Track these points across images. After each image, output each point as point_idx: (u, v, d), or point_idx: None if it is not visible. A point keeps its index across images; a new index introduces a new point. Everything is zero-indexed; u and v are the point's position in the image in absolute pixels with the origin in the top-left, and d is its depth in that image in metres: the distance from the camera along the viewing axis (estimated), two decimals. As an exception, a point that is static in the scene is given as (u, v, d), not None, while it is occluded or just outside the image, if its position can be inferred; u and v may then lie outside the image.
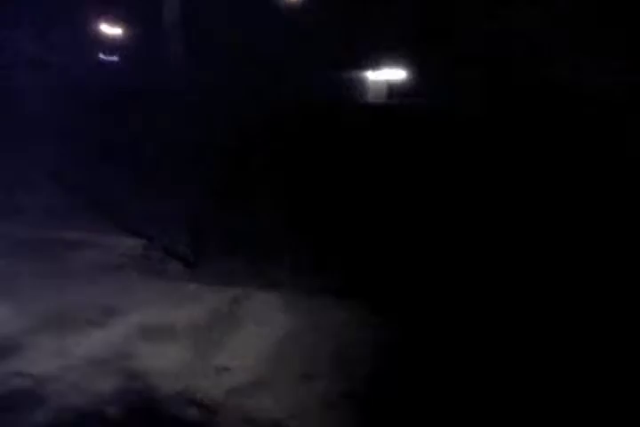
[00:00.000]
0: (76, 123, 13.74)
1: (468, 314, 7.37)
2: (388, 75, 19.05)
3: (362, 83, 19.33)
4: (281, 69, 16.50)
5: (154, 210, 10.19)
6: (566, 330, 6.98)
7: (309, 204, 10.67)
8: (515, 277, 8.17)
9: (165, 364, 6.28)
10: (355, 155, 11.62)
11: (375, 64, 18.58)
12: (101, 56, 22.13)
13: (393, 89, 19.08)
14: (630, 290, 7.66)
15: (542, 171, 10.30)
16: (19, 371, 5.97)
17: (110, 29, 20.99)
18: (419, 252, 9.12)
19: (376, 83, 19.18)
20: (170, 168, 11.46)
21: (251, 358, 6.39)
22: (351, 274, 8.60)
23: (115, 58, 21.20)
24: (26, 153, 12.50)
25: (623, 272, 8.06)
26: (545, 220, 9.46)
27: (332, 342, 6.84)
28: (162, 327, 7.09)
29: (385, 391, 5.91)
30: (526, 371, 6.16)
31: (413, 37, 15.89)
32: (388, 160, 11.57)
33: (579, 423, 5.48)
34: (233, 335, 6.97)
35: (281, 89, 15.08)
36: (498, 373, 6.16)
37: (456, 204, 10.28)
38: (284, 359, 6.42)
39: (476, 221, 9.64)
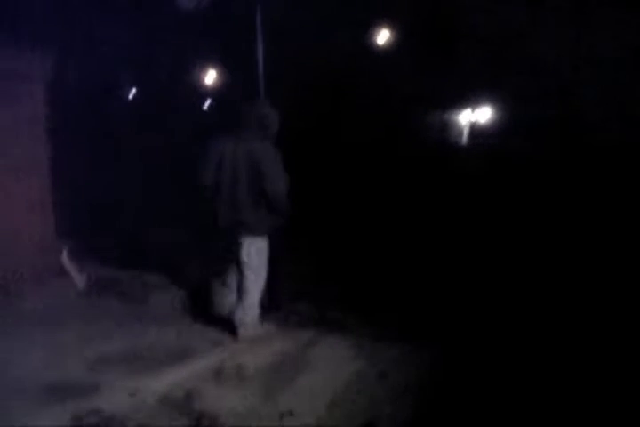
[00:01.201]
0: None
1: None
2: (470, 115, 19.25)
3: (446, 124, 19.59)
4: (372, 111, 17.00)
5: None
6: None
7: (377, 245, 10.84)
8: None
9: (232, 406, 6.43)
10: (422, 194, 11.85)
11: (459, 104, 18.82)
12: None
13: (475, 129, 19.24)
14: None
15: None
16: (95, 409, 6.25)
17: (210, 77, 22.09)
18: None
19: (458, 123, 19.42)
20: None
21: (314, 403, 6.46)
22: (421, 321, 8.61)
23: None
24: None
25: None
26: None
27: (396, 388, 6.82)
28: (232, 370, 7.26)
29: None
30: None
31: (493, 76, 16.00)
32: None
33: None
34: (299, 380, 7.07)
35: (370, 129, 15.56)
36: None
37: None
38: (346, 405, 6.46)
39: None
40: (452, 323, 8.50)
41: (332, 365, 7.44)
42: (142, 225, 13.46)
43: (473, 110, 18.99)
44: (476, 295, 9.29)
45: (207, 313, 8.88)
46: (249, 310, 8.21)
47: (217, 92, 21.48)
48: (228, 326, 8.34)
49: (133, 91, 22.46)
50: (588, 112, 11.41)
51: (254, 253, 7.56)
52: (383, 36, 18.32)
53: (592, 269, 9.38)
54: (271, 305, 9.33)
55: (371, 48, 17.95)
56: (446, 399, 6.57)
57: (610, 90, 10.69)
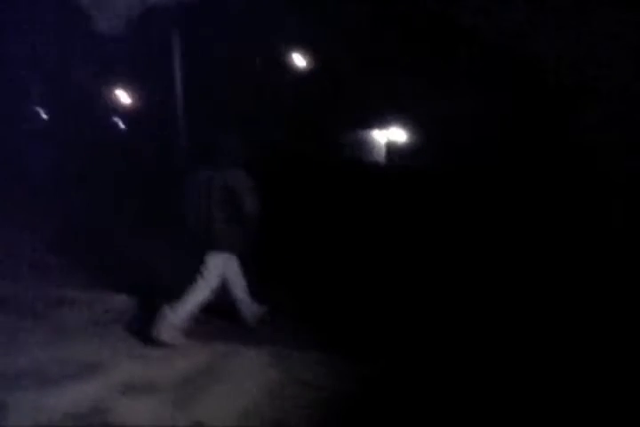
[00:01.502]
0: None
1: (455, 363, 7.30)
2: (387, 135, 19.59)
3: (363, 143, 19.84)
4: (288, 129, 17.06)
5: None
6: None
7: (295, 258, 10.81)
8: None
9: (142, 419, 6.24)
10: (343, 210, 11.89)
11: (375, 124, 19.12)
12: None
13: (392, 149, 19.57)
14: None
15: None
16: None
17: (123, 97, 21.93)
18: (403, 303, 9.21)
19: (376, 143, 19.71)
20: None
21: (226, 413, 6.35)
22: (337, 329, 8.59)
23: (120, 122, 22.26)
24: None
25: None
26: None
27: (314, 397, 6.76)
28: (143, 382, 7.06)
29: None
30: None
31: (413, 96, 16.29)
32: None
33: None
34: (214, 390, 6.94)
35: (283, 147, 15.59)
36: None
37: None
38: (260, 414, 6.37)
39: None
40: (371, 331, 8.55)
41: (249, 374, 7.34)
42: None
43: (389, 130, 19.36)
44: (394, 305, 9.37)
45: (126, 326, 8.67)
46: (181, 314, 8.18)
47: (134, 110, 21.38)
48: (144, 338, 8.12)
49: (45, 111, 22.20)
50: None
51: (212, 266, 8.17)
52: (301, 58, 18.69)
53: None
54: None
55: (287, 67, 18.27)
56: (363, 408, 6.54)
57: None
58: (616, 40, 10.02)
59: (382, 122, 18.97)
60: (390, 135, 19.58)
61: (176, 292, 8.25)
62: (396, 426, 6.19)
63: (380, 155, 19.77)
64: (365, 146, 19.68)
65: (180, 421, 6.19)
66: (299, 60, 18.62)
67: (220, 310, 9.04)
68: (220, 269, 8.35)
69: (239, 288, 8.71)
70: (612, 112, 10.18)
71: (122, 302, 9.69)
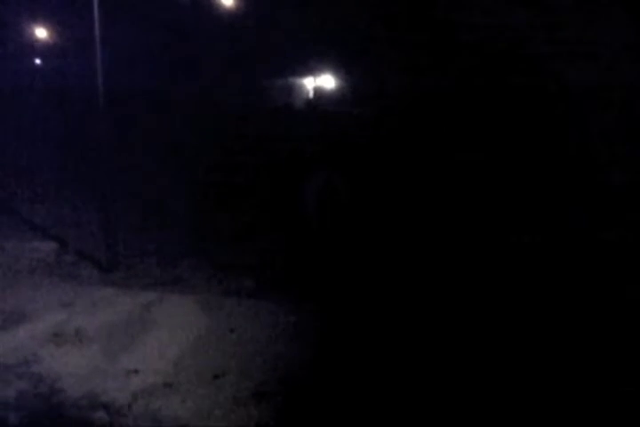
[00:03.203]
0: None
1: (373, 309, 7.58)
2: (315, 82, 19.57)
3: (291, 89, 19.71)
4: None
5: (67, 213, 10.07)
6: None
7: (223, 205, 10.80)
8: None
9: (73, 368, 6.21)
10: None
11: (306, 71, 18.97)
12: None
13: (321, 95, 19.56)
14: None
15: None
16: None
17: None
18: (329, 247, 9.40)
19: (303, 88, 19.65)
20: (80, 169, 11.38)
21: (161, 361, 6.39)
22: (265, 275, 8.74)
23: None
24: None
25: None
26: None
27: (245, 342, 6.91)
28: (72, 332, 6.99)
29: (296, 389, 6.02)
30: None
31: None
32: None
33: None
34: (145, 338, 6.94)
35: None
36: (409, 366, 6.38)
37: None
38: (195, 361, 6.44)
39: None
40: (301, 282, 8.67)
41: (179, 322, 7.38)
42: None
43: (317, 77, 19.33)
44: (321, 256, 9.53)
45: (52, 275, 8.56)
46: None
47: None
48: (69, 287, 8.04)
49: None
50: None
51: None
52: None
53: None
54: (110, 265, 9.08)
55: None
56: (294, 353, 6.75)
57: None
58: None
59: (313, 69, 18.85)
60: (319, 81, 19.56)
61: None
62: (325, 370, 6.41)
63: (307, 99, 19.78)
64: (293, 91, 19.56)
65: (114, 370, 6.20)
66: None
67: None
68: None
69: None
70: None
71: (49, 251, 9.45)
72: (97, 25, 9.13)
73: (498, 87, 12.44)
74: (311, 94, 19.77)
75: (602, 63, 11.03)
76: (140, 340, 6.90)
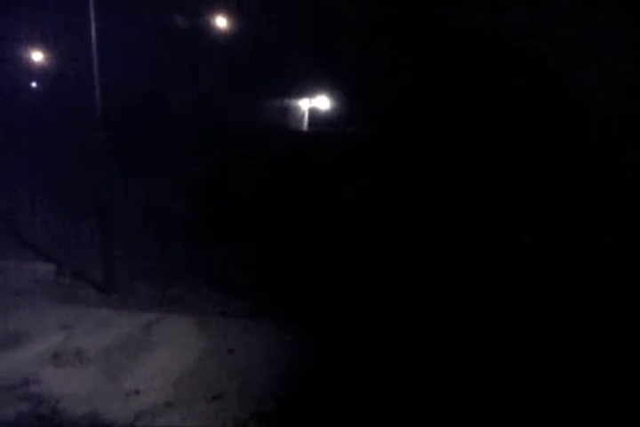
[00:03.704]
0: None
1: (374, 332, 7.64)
2: (310, 103, 19.81)
3: (287, 110, 19.92)
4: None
5: (65, 235, 10.12)
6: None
7: (221, 228, 10.88)
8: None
9: (74, 388, 6.23)
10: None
11: (300, 92, 19.19)
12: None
13: (315, 117, 19.79)
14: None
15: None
16: None
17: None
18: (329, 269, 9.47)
19: (299, 110, 19.86)
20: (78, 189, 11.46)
21: (161, 381, 6.42)
22: (262, 294, 8.79)
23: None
24: None
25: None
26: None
27: (244, 363, 6.95)
28: (72, 352, 7.02)
29: (295, 411, 6.05)
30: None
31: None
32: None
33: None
34: (144, 359, 6.98)
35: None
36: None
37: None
38: (194, 381, 6.48)
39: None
40: (297, 301, 8.75)
41: (178, 343, 7.42)
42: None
43: (311, 99, 19.59)
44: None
45: (51, 296, 8.58)
46: None
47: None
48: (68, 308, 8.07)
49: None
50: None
51: None
52: (222, 20, 18.36)
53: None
54: (108, 286, 9.11)
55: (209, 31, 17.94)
56: (292, 373, 6.79)
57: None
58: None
59: (308, 90, 19.08)
60: (314, 102, 19.81)
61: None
62: (324, 388, 6.45)
63: (303, 120, 19.99)
64: (289, 112, 19.78)
65: (115, 390, 6.23)
66: (221, 22, 18.25)
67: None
68: None
69: None
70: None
71: (47, 271, 9.49)
72: (93, 28, 9.17)
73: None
74: (306, 115, 20.00)
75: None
76: (140, 360, 6.93)
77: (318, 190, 12.14)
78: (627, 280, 8.52)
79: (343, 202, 11.72)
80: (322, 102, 19.79)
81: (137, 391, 6.18)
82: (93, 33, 9.20)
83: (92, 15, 9.14)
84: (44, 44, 19.50)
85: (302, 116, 20.31)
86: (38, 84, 20.90)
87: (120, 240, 9.49)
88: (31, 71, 20.23)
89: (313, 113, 19.89)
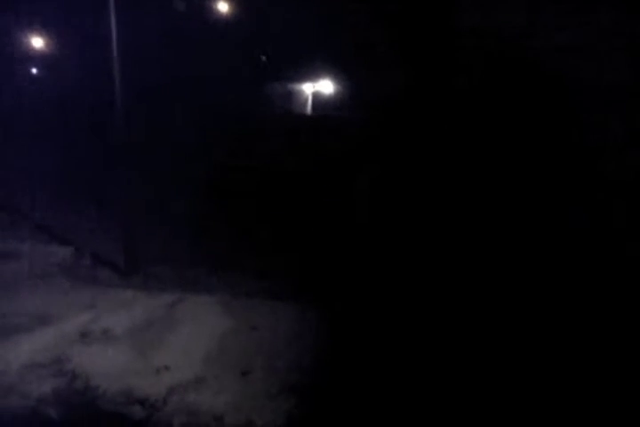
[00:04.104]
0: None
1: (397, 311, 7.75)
2: (314, 87, 19.81)
3: (290, 95, 19.92)
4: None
5: (77, 219, 10.21)
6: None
7: (240, 208, 10.96)
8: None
9: (105, 366, 6.36)
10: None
11: (303, 76, 19.17)
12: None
13: (318, 101, 19.80)
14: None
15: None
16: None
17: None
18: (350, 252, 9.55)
19: (302, 94, 19.87)
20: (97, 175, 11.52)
21: (190, 357, 6.55)
22: (280, 279, 8.89)
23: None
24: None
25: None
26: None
27: (268, 339, 7.07)
28: (99, 331, 7.15)
29: (322, 383, 6.19)
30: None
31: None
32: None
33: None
34: (171, 337, 7.10)
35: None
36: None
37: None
38: (222, 357, 6.62)
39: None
40: (317, 281, 8.83)
41: (202, 321, 7.54)
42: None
43: (315, 83, 19.58)
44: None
45: (72, 277, 8.68)
46: None
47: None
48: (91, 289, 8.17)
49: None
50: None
51: None
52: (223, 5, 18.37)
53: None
54: (128, 268, 9.22)
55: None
56: (315, 348, 6.92)
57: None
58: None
59: (311, 74, 19.05)
60: (317, 86, 19.80)
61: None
62: (346, 360, 6.58)
63: (306, 104, 20.00)
64: (292, 96, 19.78)
65: (144, 367, 6.35)
66: (223, 6, 18.28)
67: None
68: None
69: None
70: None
71: (65, 254, 9.59)
72: (113, 23, 9.15)
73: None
74: (310, 99, 20.01)
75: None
76: (166, 338, 7.06)
77: (329, 178, 12.18)
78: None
79: (357, 191, 11.78)
80: (325, 86, 19.77)
81: (167, 367, 6.31)
82: (114, 28, 9.16)
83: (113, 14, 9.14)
84: (47, 32, 19.40)
85: (306, 100, 20.31)
86: (39, 71, 20.91)
87: (137, 226, 9.55)
88: (31, 57, 20.21)
89: (316, 97, 19.88)
